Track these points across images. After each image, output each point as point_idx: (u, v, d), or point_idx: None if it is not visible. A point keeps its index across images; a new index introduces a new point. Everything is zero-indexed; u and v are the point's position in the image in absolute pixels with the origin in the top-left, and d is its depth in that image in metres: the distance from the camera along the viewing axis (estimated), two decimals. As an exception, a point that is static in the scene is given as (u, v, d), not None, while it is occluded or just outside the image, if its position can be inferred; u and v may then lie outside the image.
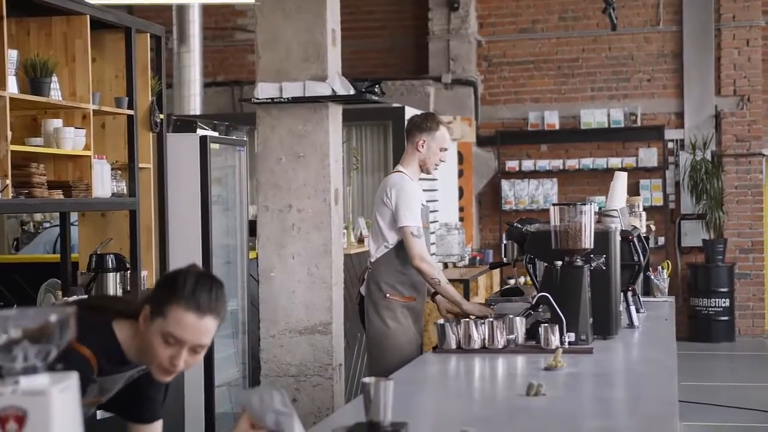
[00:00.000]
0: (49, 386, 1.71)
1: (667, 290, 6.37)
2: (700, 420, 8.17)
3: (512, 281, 11.64)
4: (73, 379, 1.76)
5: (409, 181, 5.17)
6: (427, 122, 5.26)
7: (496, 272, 11.23)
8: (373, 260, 5.22)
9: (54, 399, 1.70)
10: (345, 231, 7.96)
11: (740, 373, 10.66)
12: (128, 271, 5.47)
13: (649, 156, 12.58)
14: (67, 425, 1.73)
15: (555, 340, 4.14)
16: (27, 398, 1.69)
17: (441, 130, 5.24)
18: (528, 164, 12.83)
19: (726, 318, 12.21)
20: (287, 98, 5.60)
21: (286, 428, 2.42)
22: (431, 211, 9.72)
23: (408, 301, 5.19)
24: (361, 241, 8.07)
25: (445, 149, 5.29)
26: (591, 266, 4.40)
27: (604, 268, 4.48)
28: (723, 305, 12.17)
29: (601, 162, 12.61)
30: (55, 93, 4.86)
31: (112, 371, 2.66)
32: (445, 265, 10.21)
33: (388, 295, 5.15)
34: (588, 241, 4.34)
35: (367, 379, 2.72)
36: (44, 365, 1.74)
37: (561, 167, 12.73)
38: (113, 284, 5.33)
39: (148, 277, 5.76)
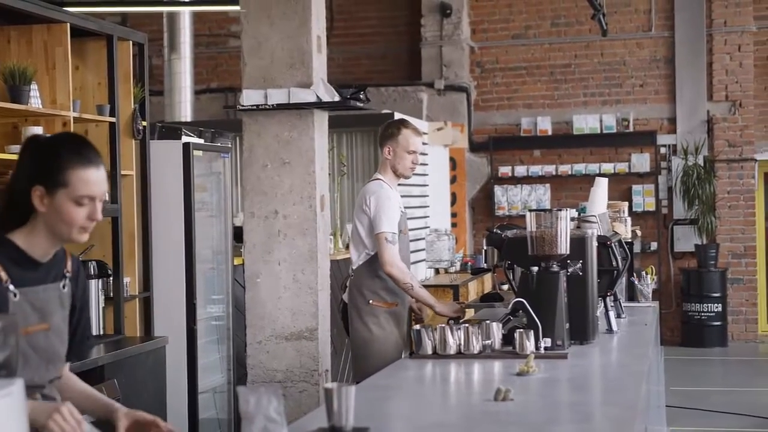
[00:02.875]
0: (-9, 393, 1.72)
1: (650, 296, 6.37)
2: (689, 425, 8.18)
3: (505, 287, 11.64)
4: (17, 385, 1.78)
5: (388, 188, 5.23)
6: (389, 129, 5.37)
7: (488, 278, 11.24)
8: (354, 267, 5.30)
9: (-5, 405, 1.71)
10: (332, 237, 7.98)
11: (732, 378, 10.67)
12: (110, 278, 5.49)
13: (641, 161, 12.59)
14: (10, 430, 1.74)
15: (530, 346, 4.15)
16: (-32, 404, 1.70)
17: (403, 133, 5.31)
18: (521, 170, 12.85)
19: (719, 323, 12.21)
20: (272, 105, 5.62)
21: None
22: (418, 218, 9.79)
23: (391, 306, 5.25)
24: (348, 246, 8.09)
25: (413, 152, 5.34)
26: (567, 272, 4.42)
27: (580, 273, 4.49)
28: (716, 310, 12.18)
29: (593, 167, 12.62)
30: (35, 101, 4.88)
31: (30, 280, 2.68)
32: (436, 271, 10.23)
33: (371, 301, 5.23)
34: (564, 247, 4.35)
35: (328, 385, 2.74)
36: (-13, 371, 1.76)
37: (554, 173, 12.75)
38: (95, 291, 5.34)
39: (131, 284, 5.77)
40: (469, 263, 10.97)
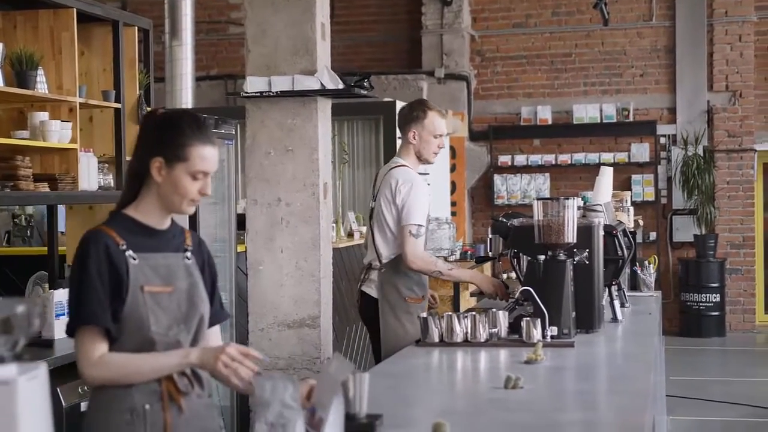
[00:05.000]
0: (17, 376, 1.73)
1: (653, 285, 6.38)
2: (688, 414, 8.20)
3: (505, 276, 11.64)
4: (42, 369, 1.79)
5: (419, 178, 5.02)
6: (413, 111, 5.11)
7: (488, 266, 11.26)
8: (384, 261, 5.05)
9: (21, 388, 1.72)
10: (334, 225, 7.97)
11: (730, 368, 10.70)
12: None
13: (641, 151, 12.60)
14: (34, 414, 1.75)
15: (537, 334, 4.15)
16: (-6, 388, 1.71)
17: (429, 116, 5.08)
18: (520, 159, 12.85)
19: (717, 313, 12.24)
20: (276, 92, 5.61)
21: (289, 424, 2.44)
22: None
23: (422, 301, 5.12)
24: (350, 235, 8.09)
25: (439, 135, 5.11)
26: (574, 260, 4.42)
27: (587, 262, 4.49)
28: (714, 300, 12.21)
29: (593, 157, 12.63)
30: (42, 86, 4.87)
31: (148, 246, 2.83)
32: (436, 260, 10.23)
33: (407, 298, 5.02)
34: (571, 236, 4.36)
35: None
36: (11, 355, 1.76)
37: (553, 162, 12.76)
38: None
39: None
40: (469, 252, 10.99)
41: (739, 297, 12.56)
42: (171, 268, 2.86)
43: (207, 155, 2.82)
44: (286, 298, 5.55)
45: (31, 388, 1.74)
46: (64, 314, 4.81)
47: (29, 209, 8.15)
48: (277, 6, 5.68)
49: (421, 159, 5.15)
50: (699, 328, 12.17)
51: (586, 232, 4.52)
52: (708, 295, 12.19)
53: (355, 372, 2.72)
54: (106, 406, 2.80)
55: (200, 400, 2.88)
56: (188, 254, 2.92)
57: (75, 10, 5.12)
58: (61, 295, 5.07)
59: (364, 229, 8.33)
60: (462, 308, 8.94)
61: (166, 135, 2.83)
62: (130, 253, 2.78)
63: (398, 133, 9.79)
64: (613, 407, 3.10)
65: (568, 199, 4.38)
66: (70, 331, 2.80)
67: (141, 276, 2.79)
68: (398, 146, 5.31)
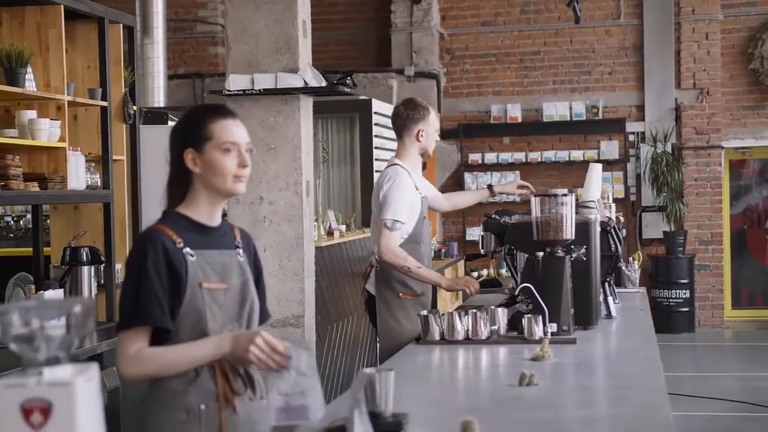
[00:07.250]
0: (74, 377, 1.69)
1: (638, 281, 6.41)
2: (666, 410, 8.25)
3: (475, 273, 11.69)
4: (94, 370, 1.75)
5: (405, 176, 5.07)
6: (418, 111, 5.17)
7: (461, 264, 11.29)
8: (379, 258, 5.07)
9: (78, 389, 1.68)
10: (315, 223, 7.94)
11: (701, 364, 10.79)
12: (102, 265, 5.41)
13: (610, 149, 12.67)
14: (91, 415, 1.71)
15: (539, 331, 4.15)
16: (51, 389, 1.67)
17: (431, 113, 5.20)
18: (491, 157, 12.88)
19: (686, 309, 12.34)
20: (259, 90, 5.58)
21: (308, 390, 2.43)
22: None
23: (420, 297, 5.10)
24: (330, 233, 8.06)
25: (437, 130, 5.26)
26: (572, 257, 4.42)
27: (584, 258, 4.50)
28: (683, 296, 12.30)
29: (563, 155, 12.68)
30: (30, 84, 4.79)
31: (203, 243, 2.82)
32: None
33: (401, 294, 5.05)
34: (569, 232, 4.36)
35: (368, 370, 2.72)
36: (67, 356, 1.72)
37: (523, 160, 12.79)
38: (87, 277, 5.26)
39: (122, 270, 5.69)
40: (443, 250, 11.01)
41: (707, 293, 12.68)
42: (226, 265, 2.85)
43: (230, 127, 2.82)
44: (270, 298, 5.47)
45: (88, 388, 1.71)
46: (54, 316, 4.73)
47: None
48: (259, 3, 5.65)
49: (424, 155, 5.23)
50: (669, 324, 12.24)
51: (583, 228, 4.53)
52: (677, 291, 12.28)
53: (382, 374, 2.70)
54: (162, 405, 2.78)
55: (252, 402, 2.86)
56: (240, 251, 2.91)
57: (62, 6, 5.03)
58: (51, 297, 5.00)
59: (344, 227, 8.31)
60: (439, 307, 8.93)
61: (188, 126, 2.86)
62: (187, 250, 2.77)
63: (374, 132, 9.77)
64: (634, 403, 3.09)
65: (566, 195, 4.38)
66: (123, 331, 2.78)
67: (200, 273, 2.78)
68: (384, 146, 5.32)
